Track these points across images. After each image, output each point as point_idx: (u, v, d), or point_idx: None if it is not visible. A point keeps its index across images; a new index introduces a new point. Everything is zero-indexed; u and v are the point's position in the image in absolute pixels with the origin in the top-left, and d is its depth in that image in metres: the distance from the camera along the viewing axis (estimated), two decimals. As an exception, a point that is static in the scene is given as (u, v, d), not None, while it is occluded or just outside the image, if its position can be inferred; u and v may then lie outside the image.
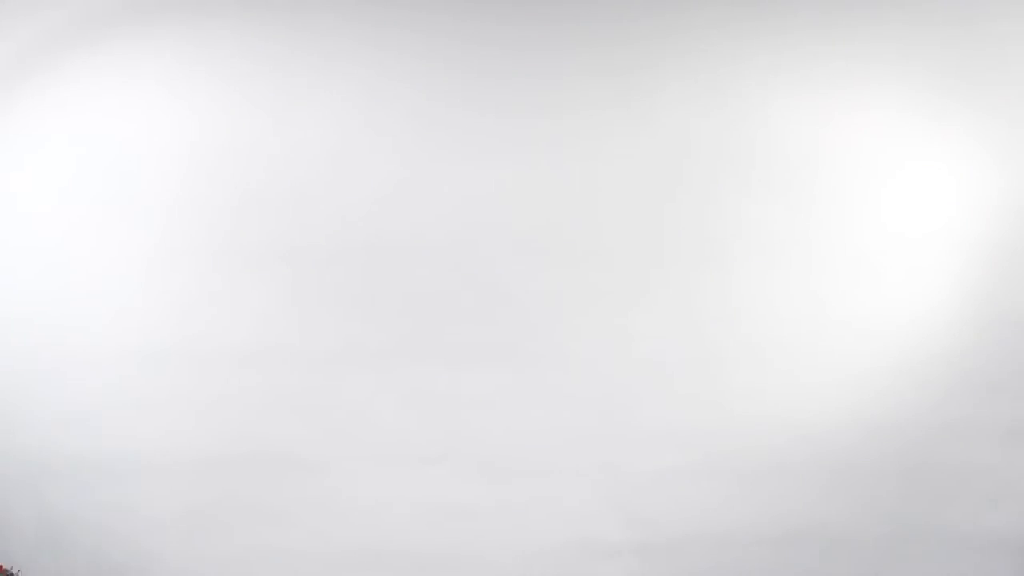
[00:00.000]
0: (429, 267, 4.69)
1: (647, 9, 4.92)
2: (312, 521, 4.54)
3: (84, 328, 4.87)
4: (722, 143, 4.84)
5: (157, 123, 4.98)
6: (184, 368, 4.65)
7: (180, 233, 4.82)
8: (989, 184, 4.74)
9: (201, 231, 4.63)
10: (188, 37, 5.02)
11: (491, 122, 4.69)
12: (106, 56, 5.01)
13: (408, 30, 4.95)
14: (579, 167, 4.67)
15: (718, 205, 4.79)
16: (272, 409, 4.58)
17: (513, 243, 4.60)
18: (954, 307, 4.71)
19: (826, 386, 4.67)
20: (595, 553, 4.53)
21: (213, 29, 5.00)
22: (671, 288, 4.60)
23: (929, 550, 4.41)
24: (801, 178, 4.80)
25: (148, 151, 4.95)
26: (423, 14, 4.91)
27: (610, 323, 4.59)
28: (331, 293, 4.60)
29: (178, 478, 4.63)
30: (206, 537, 4.49)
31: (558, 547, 4.52)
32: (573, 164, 4.68)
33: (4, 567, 4.31)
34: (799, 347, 4.69)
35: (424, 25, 4.91)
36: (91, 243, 4.96)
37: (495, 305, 4.60)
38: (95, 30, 5.03)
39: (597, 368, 4.57)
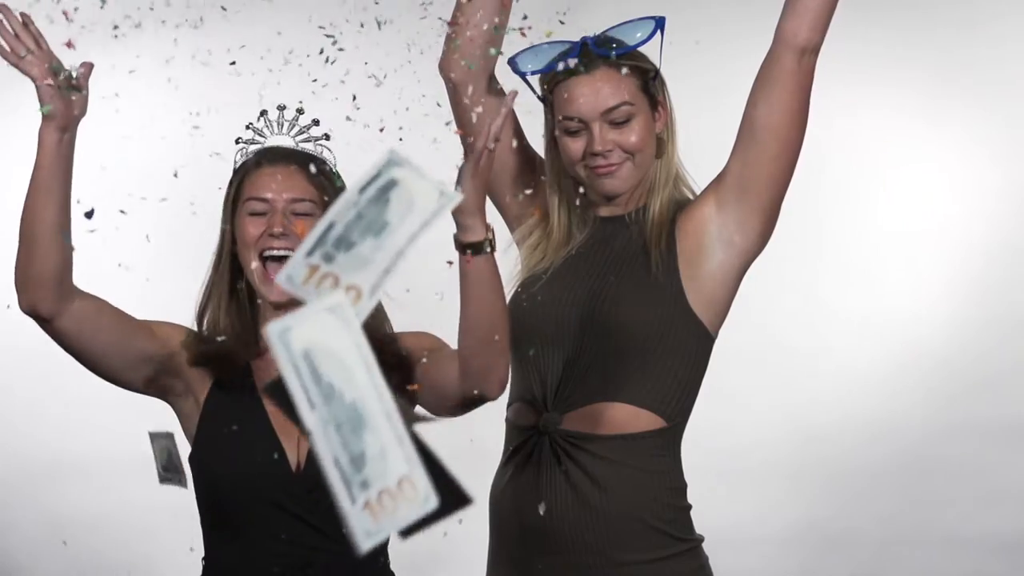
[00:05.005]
0: (427, 265, 4.69)
1: (644, 9, 4.93)
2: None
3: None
4: (720, 143, 4.84)
5: (158, 122, 4.98)
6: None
7: (182, 232, 4.81)
8: (988, 183, 4.74)
9: (203, 230, 4.63)
10: (189, 35, 5.02)
11: (491, 122, 4.69)
12: (106, 55, 5.01)
13: (408, 28, 4.96)
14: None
15: (718, 205, 4.80)
16: (272, 409, 4.58)
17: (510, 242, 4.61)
18: (953, 307, 4.71)
19: (826, 386, 4.66)
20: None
21: (214, 27, 5.01)
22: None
23: (929, 550, 4.41)
24: (800, 178, 4.79)
25: (148, 150, 4.96)
26: (422, 10, 4.92)
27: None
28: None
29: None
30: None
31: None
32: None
33: None
34: (799, 347, 4.69)
35: (424, 23, 4.92)
36: (92, 244, 4.96)
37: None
38: (95, 29, 5.03)
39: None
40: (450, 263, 2.47)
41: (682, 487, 2.20)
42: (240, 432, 2.11)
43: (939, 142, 4.77)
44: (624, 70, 2.22)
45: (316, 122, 2.24)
